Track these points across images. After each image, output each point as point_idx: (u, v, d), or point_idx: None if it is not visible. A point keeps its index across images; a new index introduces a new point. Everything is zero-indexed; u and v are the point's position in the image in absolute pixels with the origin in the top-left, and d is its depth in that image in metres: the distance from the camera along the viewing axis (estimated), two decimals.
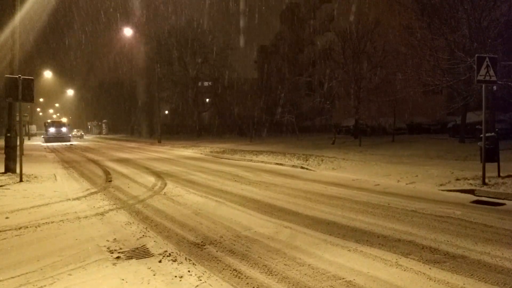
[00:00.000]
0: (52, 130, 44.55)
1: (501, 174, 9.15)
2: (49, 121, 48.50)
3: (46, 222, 6.19)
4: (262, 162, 16.13)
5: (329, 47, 31.83)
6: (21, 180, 10.30)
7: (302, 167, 13.81)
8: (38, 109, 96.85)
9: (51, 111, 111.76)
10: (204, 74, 49.66)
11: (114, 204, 7.69)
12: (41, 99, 73.56)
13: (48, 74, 48.80)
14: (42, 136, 47.44)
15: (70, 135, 48.24)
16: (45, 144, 37.97)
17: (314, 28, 45.57)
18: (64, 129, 45.93)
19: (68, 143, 40.79)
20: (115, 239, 5.29)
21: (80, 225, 6.05)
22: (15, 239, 5.36)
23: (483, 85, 9.16)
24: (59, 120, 53.28)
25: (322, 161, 14.61)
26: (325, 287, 3.69)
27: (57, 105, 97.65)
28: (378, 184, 9.78)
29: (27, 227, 5.90)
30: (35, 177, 11.24)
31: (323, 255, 4.55)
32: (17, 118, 12.21)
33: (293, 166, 14.35)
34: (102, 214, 6.83)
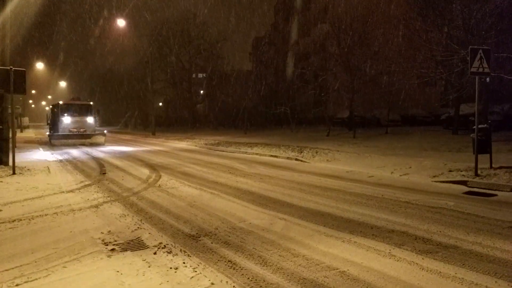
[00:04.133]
0: (67, 121, 23.65)
1: (493, 166, 9.24)
2: (60, 102, 24.99)
3: (40, 215, 6.17)
4: (256, 154, 16.14)
5: (324, 38, 31.76)
6: (13, 173, 10.23)
7: (296, 159, 13.84)
8: (31, 101, 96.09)
9: (43, 103, 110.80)
10: (198, 66, 49.37)
11: (108, 197, 7.67)
12: (33, 91, 72.88)
13: (40, 66, 48.08)
14: (48, 133, 26.32)
15: (105, 130, 26.83)
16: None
17: (309, 19, 45.41)
18: (89, 120, 24.66)
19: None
20: (109, 231, 5.29)
21: (74, 218, 6.04)
22: (8, 231, 5.34)
23: (477, 77, 9.20)
24: (79, 101, 26.89)
25: (316, 153, 14.65)
26: (319, 277, 3.72)
27: (49, 97, 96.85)
28: (372, 176, 9.84)
29: (20, 220, 5.88)
30: (28, 169, 11.16)
31: (317, 246, 4.59)
32: (9, 110, 12.10)
33: (287, 158, 14.38)
34: (96, 206, 6.81)
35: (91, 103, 26.16)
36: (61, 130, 23.52)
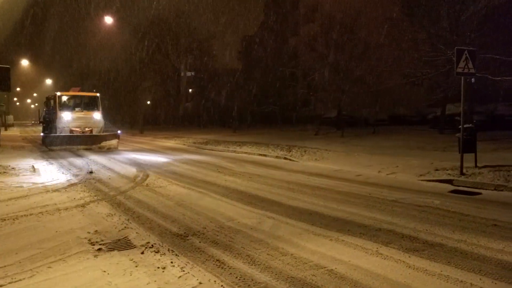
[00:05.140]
0: (67, 117, 18.49)
1: (478, 165, 9.39)
2: (58, 93, 19.48)
3: (25, 215, 6.06)
4: (245, 153, 16.13)
5: (312, 38, 31.87)
6: None
7: (285, 158, 13.87)
8: (15, 99, 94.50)
9: (28, 100, 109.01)
10: (187, 64, 49.11)
11: (95, 196, 7.58)
12: (18, 88, 71.76)
13: (25, 63, 47.25)
14: (42, 134, 20.73)
15: (118, 131, 20.20)
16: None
17: (298, 18, 45.57)
18: (96, 116, 19.37)
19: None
20: (96, 231, 5.23)
21: (60, 217, 5.95)
22: None
23: (462, 77, 9.33)
24: (83, 92, 21.43)
25: (305, 152, 14.71)
26: (307, 276, 3.73)
27: (35, 94, 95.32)
28: (360, 175, 9.92)
29: (4, 220, 5.77)
30: (13, 168, 10.96)
31: (306, 245, 4.61)
32: None
33: (276, 157, 14.40)
34: (82, 205, 6.72)
35: (98, 94, 20.19)
36: (60, 129, 18.24)
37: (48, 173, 10.68)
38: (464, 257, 4.18)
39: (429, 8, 17.80)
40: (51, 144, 17.51)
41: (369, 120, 27.92)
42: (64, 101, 19.21)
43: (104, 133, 19.20)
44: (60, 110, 18.57)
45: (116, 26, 38.93)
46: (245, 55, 49.16)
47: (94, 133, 18.86)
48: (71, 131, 18.44)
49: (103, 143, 18.19)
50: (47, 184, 8.79)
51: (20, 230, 5.31)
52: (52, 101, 19.67)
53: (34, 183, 8.78)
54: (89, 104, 19.60)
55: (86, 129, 18.87)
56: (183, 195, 7.66)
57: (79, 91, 20.99)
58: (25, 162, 12.67)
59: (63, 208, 6.51)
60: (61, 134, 17.99)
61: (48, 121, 19.95)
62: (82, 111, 19.08)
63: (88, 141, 18.03)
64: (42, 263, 4.10)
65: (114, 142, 18.47)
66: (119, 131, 19.85)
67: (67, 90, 22.05)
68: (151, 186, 8.66)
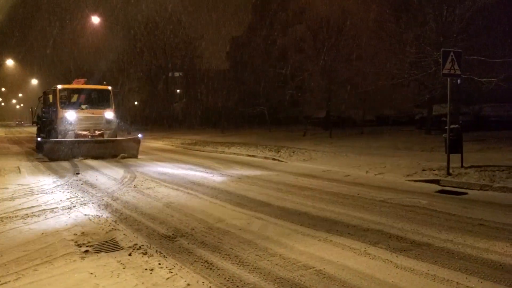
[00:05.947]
0: (71, 117, 14.45)
1: (464, 165, 9.53)
2: (59, 87, 15.04)
3: (10, 216, 5.95)
4: (234, 153, 16.11)
5: (300, 39, 32.01)
6: None
7: (274, 159, 13.89)
8: (0, 99, 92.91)
9: (14, 101, 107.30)
10: (175, 64, 48.83)
11: (82, 197, 7.48)
12: (3, 89, 70.59)
13: (10, 63, 46.44)
14: (38, 139, 16.33)
15: (140, 135, 15.71)
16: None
17: (286, 20, 45.67)
18: (108, 115, 15.32)
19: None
20: (83, 232, 5.16)
21: (46, 219, 5.85)
22: None
23: (448, 79, 9.47)
24: (91, 85, 17.87)
25: (293, 152, 14.75)
26: (295, 276, 3.74)
27: (20, 95, 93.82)
28: (348, 175, 9.98)
29: None
30: None
31: (294, 245, 4.62)
32: None
33: (265, 157, 14.41)
34: (69, 207, 6.63)
35: (110, 87, 16.41)
36: (61, 133, 14.43)
37: (34, 174, 10.51)
38: (451, 256, 4.23)
39: (416, 9, 18.04)
40: (51, 152, 13.48)
41: (357, 121, 28.15)
42: (67, 97, 15.37)
43: (120, 138, 15.67)
44: (61, 107, 14.67)
45: (103, 25, 38.48)
46: (233, 56, 49.12)
47: (106, 137, 15.01)
48: (77, 135, 14.55)
49: (119, 150, 14.47)
50: (32, 185, 8.65)
51: (5, 232, 5.21)
52: (51, 97, 15.67)
53: (19, 185, 8.63)
54: (98, 100, 15.76)
55: (96, 132, 14.97)
56: (171, 196, 7.61)
57: (84, 83, 16.87)
58: (10, 163, 12.45)
59: (49, 210, 6.42)
60: (65, 139, 14.09)
61: (46, 122, 16.09)
62: (90, 110, 15.19)
63: (100, 149, 14.11)
64: (27, 265, 4.03)
65: (133, 149, 14.67)
66: (140, 135, 15.68)
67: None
68: (139, 187, 8.59)
